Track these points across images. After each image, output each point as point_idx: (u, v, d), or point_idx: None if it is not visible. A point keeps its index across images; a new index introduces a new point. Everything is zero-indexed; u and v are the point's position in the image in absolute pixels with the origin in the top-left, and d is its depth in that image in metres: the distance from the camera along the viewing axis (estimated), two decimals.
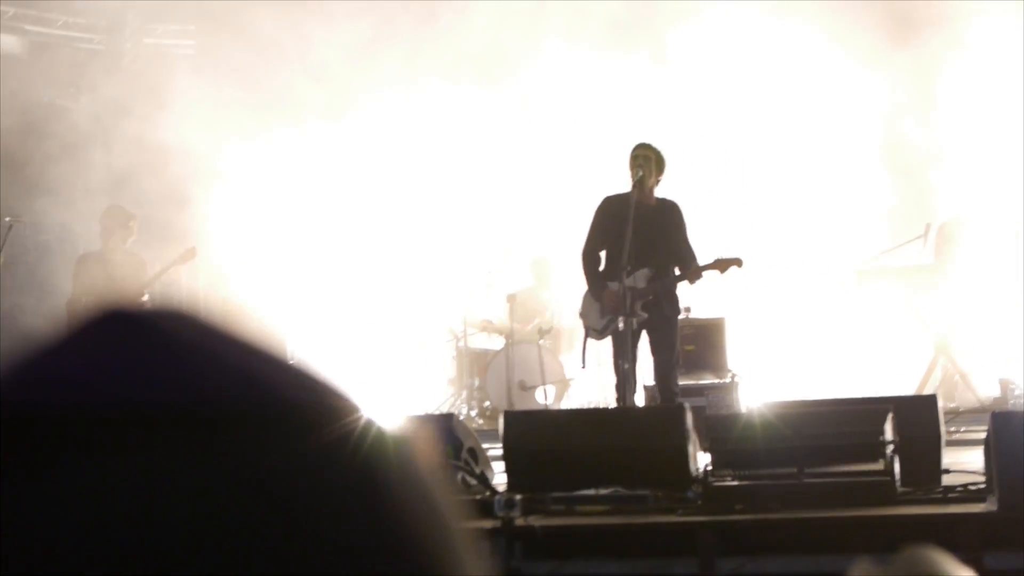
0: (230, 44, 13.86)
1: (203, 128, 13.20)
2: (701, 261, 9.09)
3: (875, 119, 12.95)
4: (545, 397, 11.45)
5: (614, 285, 8.89)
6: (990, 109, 12.61)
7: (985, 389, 11.96)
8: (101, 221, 11.32)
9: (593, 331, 9.17)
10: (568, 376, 11.90)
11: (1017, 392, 11.47)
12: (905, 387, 11.76)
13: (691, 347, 10.82)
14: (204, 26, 14.52)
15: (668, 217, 9.13)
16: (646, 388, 9.95)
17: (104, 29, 14.64)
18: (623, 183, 9.19)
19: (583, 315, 9.33)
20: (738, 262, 9.06)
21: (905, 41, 12.68)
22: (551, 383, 11.55)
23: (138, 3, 14.32)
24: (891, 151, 12.89)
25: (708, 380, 10.93)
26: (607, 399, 11.64)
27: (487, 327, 12.68)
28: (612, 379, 10.74)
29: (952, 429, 10.53)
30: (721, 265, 9.03)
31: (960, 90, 12.68)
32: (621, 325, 8.82)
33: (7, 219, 11.30)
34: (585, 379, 12.24)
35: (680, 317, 10.25)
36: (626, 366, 8.90)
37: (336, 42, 13.44)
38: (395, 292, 13.24)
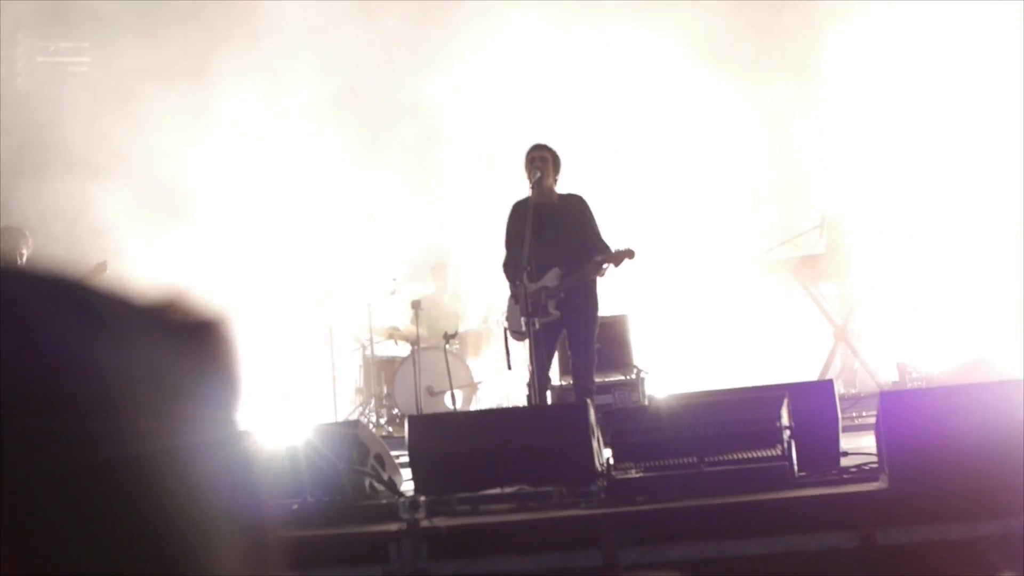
0: (126, 60, 13.76)
1: (102, 142, 13.13)
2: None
3: (763, 116, 13.15)
4: (453, 402, 11.48)
5: (528, 287, 9.00)
6: (873, 105, 12.87)
7: (884, 374, 12.22)
8: None
9: (516, 333, 9.27)
10: (476, 380, 11.95)
11: (914, 375, 11.73)
12: (806, 375, 11.97)
13: (596, 345, 10.93)
14: (99, 42, 14.37)
15: (572, 212, 9.24)
16: (552, 388, 10.06)
17: None
18: (523, 186, 9.28)
19: (508, 318, 9.46)
20: (629, 253, 9.13)
21: (789, 37, 12.92)
22: (459, 388, 11.58)
23: (31, 20, 14.13)
24: (780, 146, 13.09)
25: (614, 377, 11.04)
26: (515, 401, 11.74)
27: (393, 334, 12.69)
28: (520, 381, 10.94)
29: (853, 414, 10.78)
30: (614, 258, 9.13)
31: (843, 87, 12.93)
32: (536, 325, 8.93)
33: None
34: (493, 381, 12.33)
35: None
36: (529, 367, 9.06)
37: (231, 55, 13.43)
38: (298, 300, 13.19)
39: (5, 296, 0.61)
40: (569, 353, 9.45)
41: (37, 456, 0.55)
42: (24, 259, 10.99)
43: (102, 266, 11.33)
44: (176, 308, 0.69)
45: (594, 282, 9.26)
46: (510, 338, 9.40)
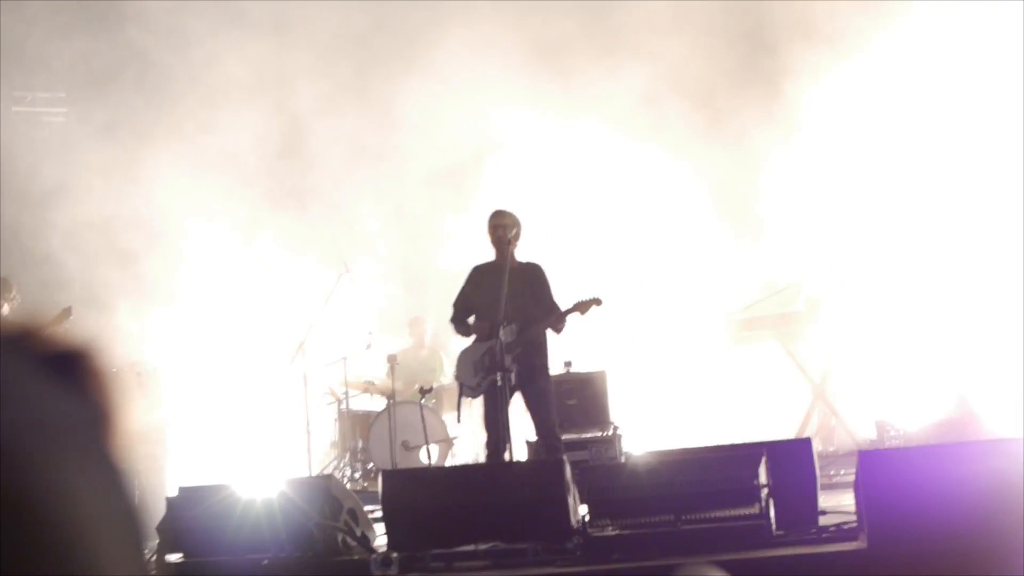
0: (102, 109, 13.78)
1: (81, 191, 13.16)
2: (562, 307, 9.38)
3: (740, 167, 13.18)
4: (429, 457, 11.37)
5: (483, 346, 9.24)
6: (850, 152, 12.91)
7: (862, 432, 12.17)
8: None
9: (467, 388, 9.37)
10: (452, 435, 11.85)
11: (892, 433, 11.68)
12: (784, 433, 11.92)
13: (572, 401, 10.87)
14: (75, 92, 14.38)
15: (532, 278, 9.50)
16: (528, 443, 10.02)
17: None
18: (488, 247, 9.54)
19: (458, 374, 9.56)
20: (597, 301, 9.28)
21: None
22: (434, 443, 11.47)
23: (6, 70, 14.10)
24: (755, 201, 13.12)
25: (590, 433, 10.96)
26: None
27: (369, 388, 12.60)
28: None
29: (831, 472, 10.72)
30: (581, 307, 9.30)
31: (819, 134, 12.96)
32: (499, 381, 9.03)
33: None
34: (470, 438, 12.24)
35: (561, 372, 10.37)
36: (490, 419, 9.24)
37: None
38: (272, 353, 13.10)
39: None
40: (529, 410, 9.44)
41: None
42: (4, 309, 10.95)
43: (66, 312, 11.24)
44: (38, 338, 0.66)
45: (546, 343, 9.43)
46: (466, 394, 9.50)
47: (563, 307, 9.37)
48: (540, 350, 9.38)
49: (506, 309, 9.14)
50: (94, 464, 0.61)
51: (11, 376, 0.60)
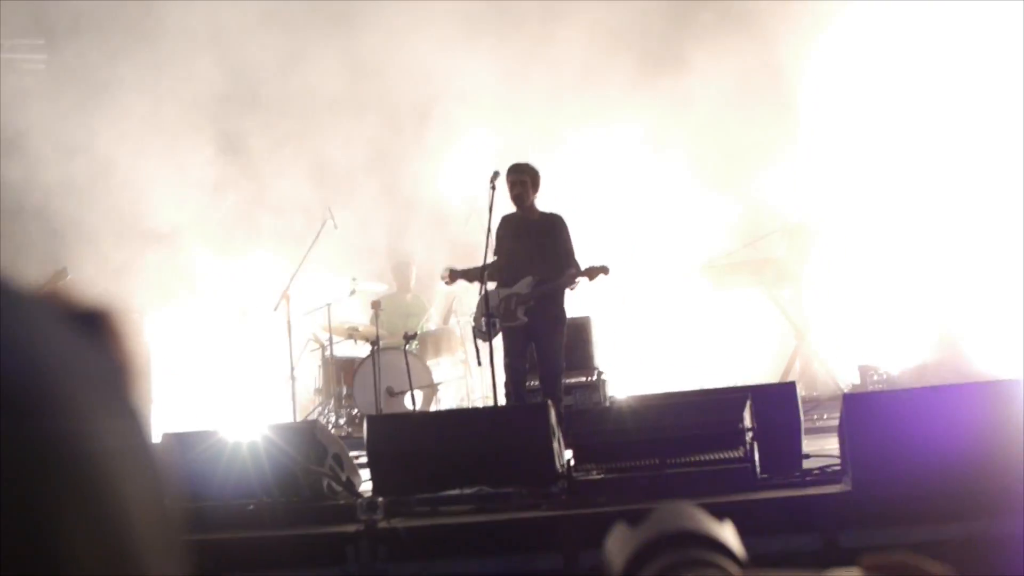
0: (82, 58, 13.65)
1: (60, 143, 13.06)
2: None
3: (728, 113, 13.12)
4: (413, 403, 11.37)
5: (501, 293, 9.61)
6: (838, 105, 12.86)
7: (845, 376, 12.23)
8: None
9: (479, 332, 9.67)
10: (436, 381, 11.87)
11: (876, 377, 11.73)
12: (768, 378, 11.96)
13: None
14: (55, 40, 14.22)
15: (550, 229, 9.76)
16: (529, 390, 10.12)
17: None
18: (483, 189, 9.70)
19: (474, 319, 9.89)
20: (604, 270, 9.69)
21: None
22: (419, 388, 11.48)
23: None
24: (744, 145, 13.07)
25: (574, 379, 10.98)
26: (475, 402, 11.67)
27: (353, 334, 12.57)
28: (477, 383, 11.11)
29: (815, 416, 10.77)
30: (590, 273, 9.66)
31: (812, 93, 12.91)
32: (498, 326, 9.54)
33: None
34: (453, 382, 12.26)
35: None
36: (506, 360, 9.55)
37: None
38: (256, 299, 13.07)
39: None
40: (537, 359, 9.73)
41: None
42: None
43: (62, 273, 11.21)
44: (60, 298, 0.68)
45: (563, 293, 9.72)
46: (479, 337, 9.73)
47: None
48: (555, 300, 9.70)
49: (517, 261, 9.60)
50: (122, 412, 0.64)
51: (47, 332, 0.63)
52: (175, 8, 13.46)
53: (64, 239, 12.91)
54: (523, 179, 9.72)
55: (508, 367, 9.55)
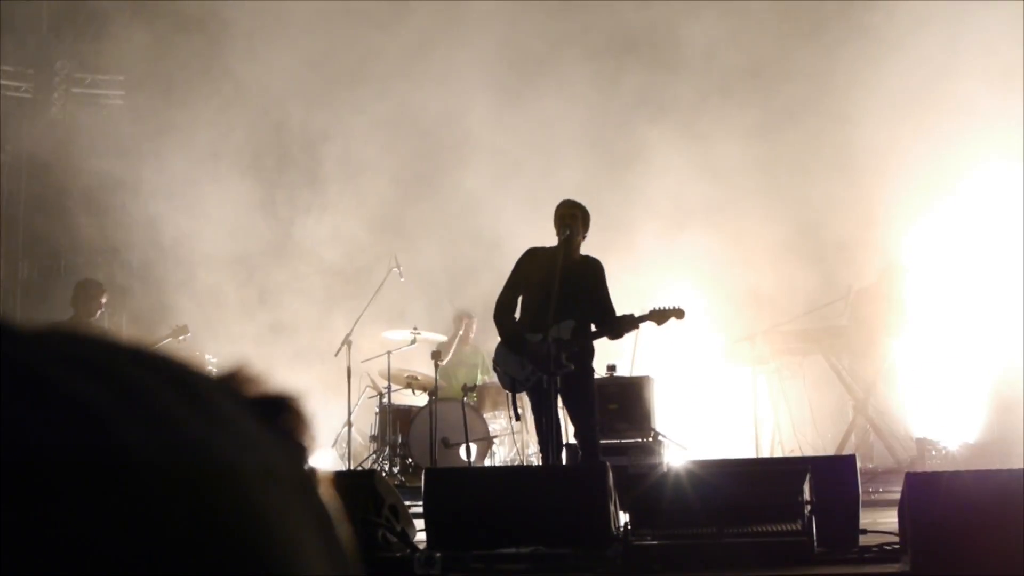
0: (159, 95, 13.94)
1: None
2: (636, 312, 9.04)
3: (788, 182, 13.13)
4: (468, 455, 11.40)
5: (534, 338, 8.80)
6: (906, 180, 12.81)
7: (902, 450, 12.11)
8: (74, 292, 11.32)
9: (518, 383, 8.98)
10: (492, 434, 11.89)
11: (933, 452, 11.63)
12: (824, 449, 11.88)
13: (615, 405, 10.82)
14: (134, 76, 14.53)
15: (592, 273, 9.14)
16: (567, 446, 9.92)
17: (32, 77, 14.57)
18: (549, 238, 9.24)
19: (500, 366, 9.18)
20: (679, 313, 9.03)
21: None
22: (474, 441, 11.51)
23: (67, 51, 14.28)
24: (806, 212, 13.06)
25: (631, 439, 10.94)
26: (529, 458, 11.63)
27: (411, 383, 12.63)
28: (532, 438, 10.70)
29: (871, 489, 10.67)
30: (658, 316, 9.02)
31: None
32: (545, 383, 8.70)
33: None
34: (507, 437, 12.26)
35: (604, 375, 10.26)
36: (543, 420, 8.87)
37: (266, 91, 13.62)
38: (318, 347, 13.19)
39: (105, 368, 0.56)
40: (571, 414, 9.14)
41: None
42: (102, 312, 11.20)
43: (182, 329, 11.37)
44: (244, 382, 0.64)
45: (593, 343, 9.12)
46: (510, 388, 9.19)
47: (637, 313, 9.03)
48: (591, 352, 9.12)
49: (560, 305, 8.75)
50: (331, 544, 0.62)
51: (236, 418, 0.59)
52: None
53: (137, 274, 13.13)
54: (575, 213, 9.06)
55: (546, 428, 8.74)
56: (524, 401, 9.56)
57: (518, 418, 9.51)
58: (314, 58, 13.69)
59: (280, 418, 0.64)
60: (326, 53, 13.72)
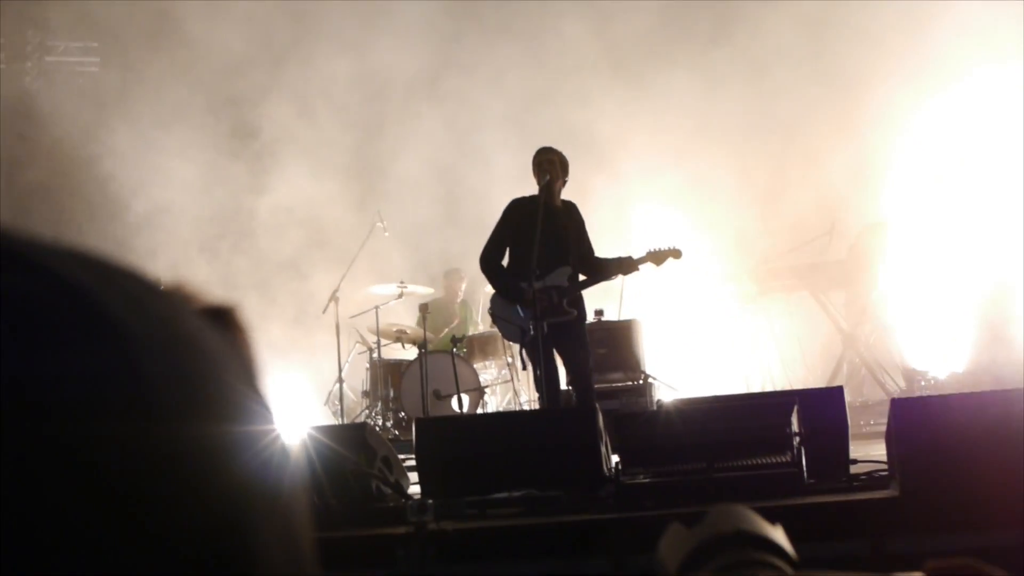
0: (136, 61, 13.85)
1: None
2: (634, 255, 9.08)
3: (781, 128, 13.09)
4: (460, 406, 11.43)
5: (526, 286, 8.80)
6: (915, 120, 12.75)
7: (892, 381, 12.17)
8: None
9: (518, 330, 8.99)
10: (483, 384, 11.92)
11: (923, 383, 11.68)
12: (814, 382, 11.93)
13: (603, 350, 10.87)
14: (108, 44, 14.43)
15: (574, 218, 9.18)
16: (562, 392, 9.94)
17: (3, 47, 14.47)
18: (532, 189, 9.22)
19: (499, 315, 9.19)
20: (676, 253, 9.06)
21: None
22: (466, 392, 11.53)
23: (39, 20, 14.18)
24: (789, 150, 13.03)
25: (621, 382, 10.99)
26: (522, 407, 11.68)
27: (400, 336, 12.65)
28: (524, 387, 10.78)
29: (862, 422, 10.74)
30: (657, 257, 9.06)
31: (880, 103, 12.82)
32: (545, 328, 8.74)
33: None
34: (499, 387, 12.30)
35: (592, 320, 10.28)
36: (538, 372, 8.93)
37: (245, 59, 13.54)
38: (304, 301, 13.21)
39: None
40: (566, 360, 9.14)
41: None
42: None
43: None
44: (188, 296, 0.69)
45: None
46: (512, 338, 9.21)
47: (634, 255, 9.07)
48: (582, 298, 9.13)
49: (551, 252, 8.82)
50: (264, 405, 0.65)
51: (192, 329, 0.63)
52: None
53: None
54: (552, 159, 9.07)
55: (543, 378, 8.77)
56: (514, 350, 9.57)
57: (524, 367, 9.40)
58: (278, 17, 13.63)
59: (226, 326, 0.68)
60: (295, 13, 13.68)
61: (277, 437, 0.64)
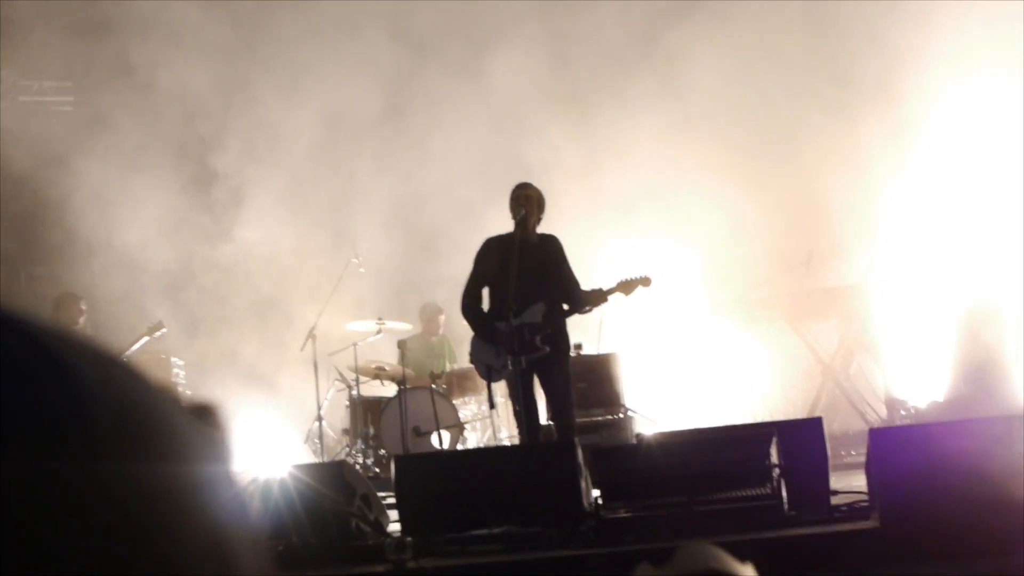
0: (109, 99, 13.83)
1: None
2: (604, 286, 9.06)
3: (749, 156, 13.11)
4: (440, 442, 11.38)
5: (503, 325, 8.81)
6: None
7: (872, 411, 12.16)
8: (53, 306, 11.66)
9: (494, 371, 8.99)
10: (462, 420, 11.87)
11: (903, 412, 11.67)
12: (794, 414, 11.92)
13: (583, 384, 10.83)
14: (82, 81, 14.40)
15: (551, 251, 9.13)
16: (541, 427, 9.93)
17: None
18: (507, 225, 9.21)
19: (476, 357, 9.20)
20: (645, 281, 9.08)
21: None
22: (445, 428, 11.49)
23: (14, 58, 14.15)
24: (764, 181, 13.03)
25: (601, 416, 10.97)
26: (502, 443, 11.61)
27: (379, 373, 12.59)
28: (506, 420, 10.74)
29: (842, 452, 10.74)
30: (626, 287, 9.07)
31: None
32: (523, 363, 8.75)
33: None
34: (479, 422, 12.25)
35: (571, 355, 10.24)
36: (517, 408, 8.93)
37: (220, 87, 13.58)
38: (282, 339, 13.17)
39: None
40: (547, 394, 9.11)
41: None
42: (81, 325, 11.31)
43: (157, 325, 11.87)
44: (174, 395, 0.72)
45: (565, 322, 9.13)
46: (487, 377, 9.17)
47: (604, 287, 9.04)
48: (564, 331, 9.10)
49: (527, 288, 8.79)
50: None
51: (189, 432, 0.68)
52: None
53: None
54: (529, 195, 9.07)
55: (523, 413, 8.82)
56: (498, 389, 9.55)
57: (493, 406, 9.39)
58: (239, 52, 13.68)
59: (207, 419, 0.73)
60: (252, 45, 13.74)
61: (228, 481, 0.65)
